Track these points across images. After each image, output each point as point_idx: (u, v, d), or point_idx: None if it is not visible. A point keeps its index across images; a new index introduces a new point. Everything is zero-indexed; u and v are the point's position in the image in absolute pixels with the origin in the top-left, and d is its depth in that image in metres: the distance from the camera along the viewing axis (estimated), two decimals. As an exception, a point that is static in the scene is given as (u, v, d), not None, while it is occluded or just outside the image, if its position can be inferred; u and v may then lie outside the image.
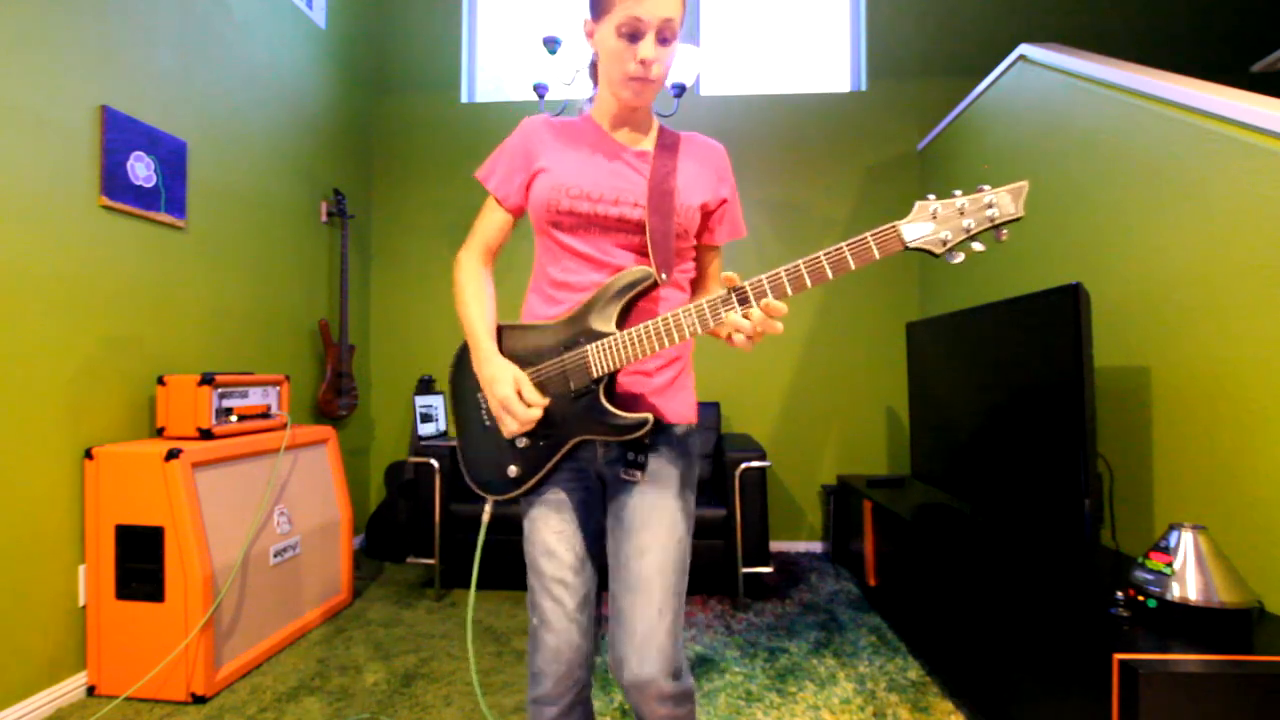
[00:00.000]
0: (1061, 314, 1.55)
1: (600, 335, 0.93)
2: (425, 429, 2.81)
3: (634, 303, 0.96)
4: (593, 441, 0.99)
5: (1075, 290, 1.51)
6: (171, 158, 2.05)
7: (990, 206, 0.78)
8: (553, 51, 2.42)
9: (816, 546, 3.18)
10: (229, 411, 1.96)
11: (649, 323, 0.90)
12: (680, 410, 1.03)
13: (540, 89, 2.54)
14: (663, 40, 0.93)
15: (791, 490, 3.20)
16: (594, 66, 1.09)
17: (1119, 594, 1.27)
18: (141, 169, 1.94)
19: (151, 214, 1.98)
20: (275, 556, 1.99)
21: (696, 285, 1.14)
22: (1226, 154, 1.45)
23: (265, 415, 2.10)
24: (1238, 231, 1.41)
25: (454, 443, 2.58)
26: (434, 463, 2.48)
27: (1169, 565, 1.24)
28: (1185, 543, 1.24)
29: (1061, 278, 2.01)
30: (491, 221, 1.07)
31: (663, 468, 0.99)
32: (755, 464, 2.38)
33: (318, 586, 2.21)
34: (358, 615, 2.29)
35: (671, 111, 2.44)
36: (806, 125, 3.23)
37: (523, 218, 1.08)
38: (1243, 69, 3.06)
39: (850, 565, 2.74)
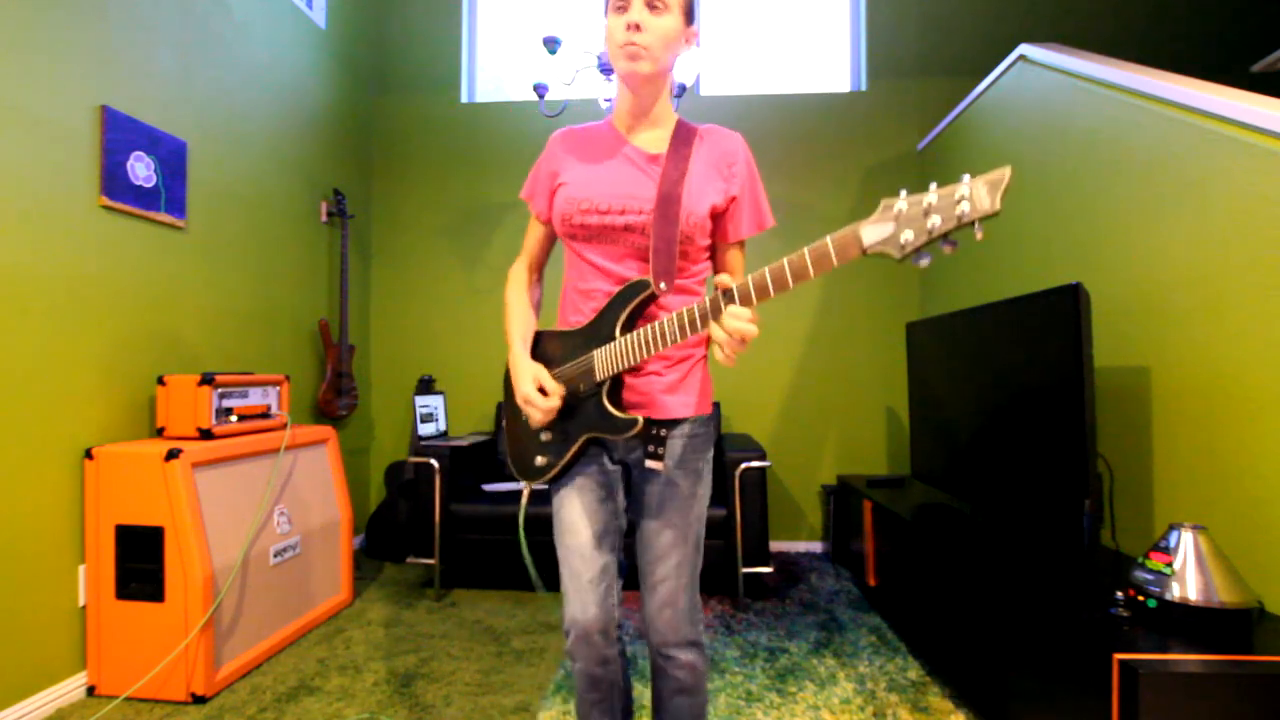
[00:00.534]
0: (1061, 314, 1.55)
1: (605, 341, 1.01)
2: (425, 429, 2.81)
3: (639, 310, 1.01)
4: (602, 438, 1.06)
5: (1075, 290, 1.51)
6: (171, 158, 2.05)
7: (961, 201, 0.70)
8: (553, 51, 2.42)
9: (816, 546, 3.18)
10: (229, 411, 1.96)
11: (643, 329, 0.96)
12: (691, 404, 1.08)
13: (540, 89, 2.55)
14: (652, 7, 0.98)
15: (791, 490, 3.20)
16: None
17: (1119, 594, 1.27)
18: (141, 169, 1.94)
19: (151, 214, 1.98)
20: (275, 556, 1.99)
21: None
22: (1226, 154, 1.45)
23: (265, 415, 2.10)
24: (1238, 231, 1.41)
25: (454, 443, 2.60)
26: (434, 463, 2.48)
27: (1169, 565, 1.24)
28: (1185, 543, 1.24)
29: (1061, 278, 2.01)
30: (532, 236, 1.18)
31: (679, 454, 1.07)
32: (755, 464, 2.38)
33: (318, 586, 2.21)
34: (358, 615, 2.29)
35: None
36: (806, 125, 3.23)
37: None
38: (1243, 69, 3.06)
39: (850, 565, 2.74)
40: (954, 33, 3.20)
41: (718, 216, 1.07)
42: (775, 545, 3.18)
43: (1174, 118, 1.60)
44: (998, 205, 0.69)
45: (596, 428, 1.02)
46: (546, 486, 1.13)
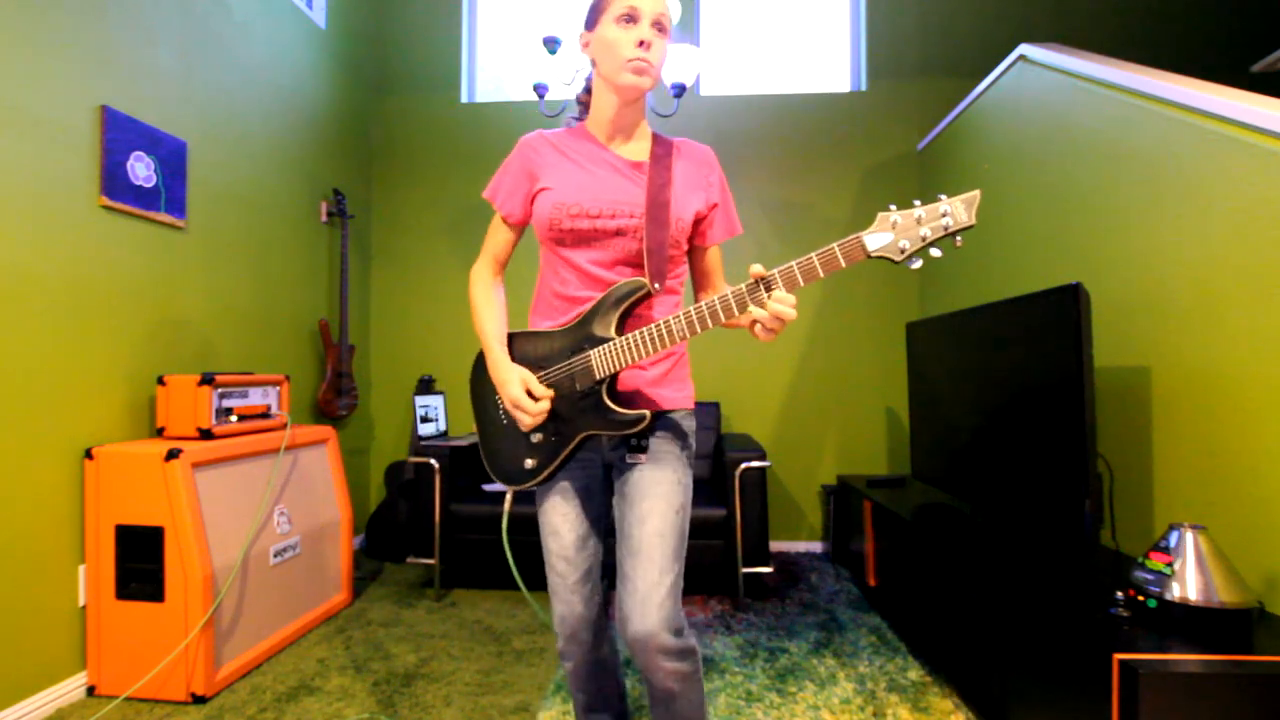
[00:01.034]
0: (1061, 314, 1.55)
1: (602, 341, 1.02)
2: (425, 429, 2.81)
3: (631, 310, 1.04)
4: (598, 435, 1.07)
5: (1075, 290, 1.51)
6: (171, 158, 2.05)
7: (945, 215, 0.85)
8: (553, 51, 2.42)
9: (816, 546, 3.18)
10: (229, 411, 1.96)
11: (645, 329, 0.98)
12: (675, 398, 1.12)
13: (540, 89, 2.54)
14: (658, 27, 1.02)
15: (791, 490, 3.20)
16: (588, 87, 1.16)
17: (1119, 594, 1.27)
18: (141, 169, 1.94)
19: (151, 214, 1.98)
20: (275, 556, 1.99)
21: (696, 284, 1.21)
22: (1226, 154, 1.45)
23: (265, 415, 2.10)
24: (1238, 231, 1.41)
25: (454, 443, 2.59)
26: (434, 463, 2.48)
27: (1169, 565, 1.24)
28: (1185, 543, 1.24)
29: (1061, 278, 2.01)
30: (499, 237, 1.17)
31: (661, 447, 1.09)
32: (755, 464, 2.38)
33: (318, 586, 2.21)
34: (358, 615, 2.29)
35: (671, 111, 2.44)
36: (806, 125, 3.23)
37: (528, 229, 1.18)
38: (1243, 69, 3.06)
39: (850, 565, 2.74)
40: (954, 33, 3.20)
41: (698, 222, 1.12)
42: (775, 545, 3.18)
43: (1174, 118, 1.60)
44: (973, 219, 0.85)
45: (596, 425, 1.03)
46: (535, 489, 1.13)
